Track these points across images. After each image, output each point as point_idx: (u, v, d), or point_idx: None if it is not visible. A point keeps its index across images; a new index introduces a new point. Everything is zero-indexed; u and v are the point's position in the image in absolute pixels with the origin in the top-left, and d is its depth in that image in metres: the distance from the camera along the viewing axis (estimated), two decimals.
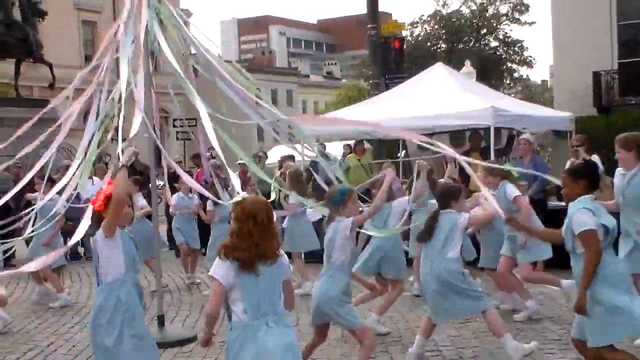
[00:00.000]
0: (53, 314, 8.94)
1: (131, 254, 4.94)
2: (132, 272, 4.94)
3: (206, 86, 7.47)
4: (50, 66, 20.08)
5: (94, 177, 12.66)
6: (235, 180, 6.84)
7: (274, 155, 20.44)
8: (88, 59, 40.36)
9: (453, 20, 45.11)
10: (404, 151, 14.20)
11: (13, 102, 19.45)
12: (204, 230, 10.71)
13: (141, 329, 4.87)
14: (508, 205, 7.34)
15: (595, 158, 10.01)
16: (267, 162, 15.44)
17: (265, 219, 4.14)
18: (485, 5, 46.07)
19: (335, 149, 18.53)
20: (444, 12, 45.45)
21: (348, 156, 15.64)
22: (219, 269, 4.14)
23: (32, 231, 7.22)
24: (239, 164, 12.34)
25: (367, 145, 16.48)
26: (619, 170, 6.53)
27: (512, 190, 7.55)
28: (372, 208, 6.21)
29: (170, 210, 11.38)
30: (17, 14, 20.74)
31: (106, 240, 4.75)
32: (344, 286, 5.72)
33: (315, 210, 8.51)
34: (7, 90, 23.31)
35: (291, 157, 12.77)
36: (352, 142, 15.46)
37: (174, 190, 11.34)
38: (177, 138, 26.77)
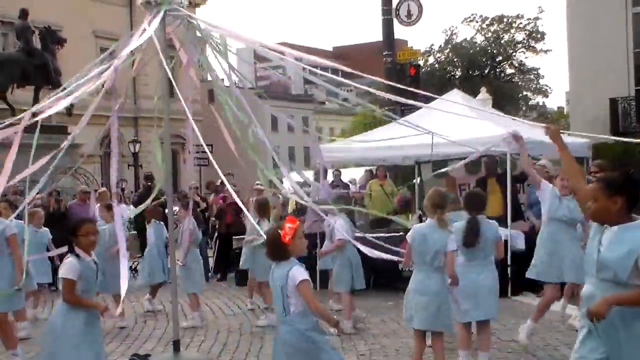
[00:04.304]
0: None
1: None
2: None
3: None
4: None
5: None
6: None
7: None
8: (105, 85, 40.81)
9: (466, 46, 45.16)
10: (419, 177, 14.17)
11: (32, 128, 19.58)
12: None
13: None
14: None
15: None
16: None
17: None
18: (500, 33, 46.12)
19: (351, 175, 18.45)
20: (455, 41, 45.53)
21: (370, 182, 15.51)
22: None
23: None
24: (257, 184, 12.17)
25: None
26: None
27: None
28: None
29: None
30: (37, 42, 21.04)
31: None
32: None
33: None
34: None
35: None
36: (372, 168, 15.36)
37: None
38: (193, 164, 26.83)
